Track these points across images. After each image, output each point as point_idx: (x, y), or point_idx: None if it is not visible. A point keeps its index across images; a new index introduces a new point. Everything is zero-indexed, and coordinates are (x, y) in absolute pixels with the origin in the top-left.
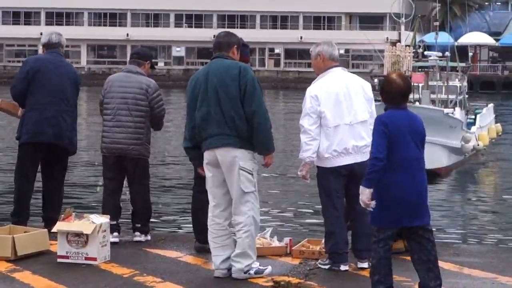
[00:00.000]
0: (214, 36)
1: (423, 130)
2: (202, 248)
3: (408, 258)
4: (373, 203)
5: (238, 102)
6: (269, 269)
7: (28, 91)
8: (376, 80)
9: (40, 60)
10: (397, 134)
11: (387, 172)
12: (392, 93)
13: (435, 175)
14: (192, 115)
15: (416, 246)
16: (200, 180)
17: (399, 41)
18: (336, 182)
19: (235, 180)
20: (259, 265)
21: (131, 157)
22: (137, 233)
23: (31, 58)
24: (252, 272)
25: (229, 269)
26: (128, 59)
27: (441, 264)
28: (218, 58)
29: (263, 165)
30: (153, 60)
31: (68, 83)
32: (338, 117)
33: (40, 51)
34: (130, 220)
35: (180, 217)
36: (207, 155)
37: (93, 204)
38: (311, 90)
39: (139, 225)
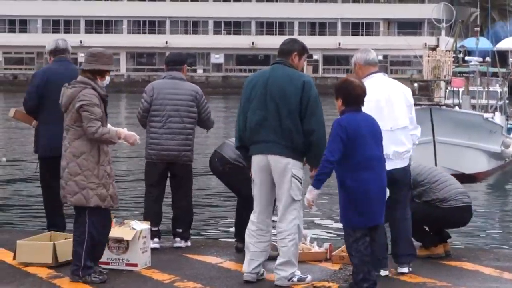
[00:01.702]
0: (252, 43)
1: (380, 130)
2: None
3: (449, 263)
4: (315, 207)
5: (297, 115)
6: (309, 277)
7: (40, 104)
8: (416, 85)
9: (48, 72)
10: (357, 135)
11: (351, 173)
12: (357, 96)
13: (474, 180)
14: (243, 117)
15: (374, 245)
16: None
17: (437, 46)
18: None
19: (286, 187)
20: (300, 273)
21: (181, 163)
22: (178, 239)
23: (40, 71)
24: (295, 279)
25: (257, 273)
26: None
27: (481, 268)
28: (279, 64)
29: (311, 177)
30: (189, 64)
31: None
32: (378, 123)
33: (67, 60)
34: (170, 226)
35: (219, 222)
36: (258, 160)
37: (133, 210)
38: None
39: (180, 231)
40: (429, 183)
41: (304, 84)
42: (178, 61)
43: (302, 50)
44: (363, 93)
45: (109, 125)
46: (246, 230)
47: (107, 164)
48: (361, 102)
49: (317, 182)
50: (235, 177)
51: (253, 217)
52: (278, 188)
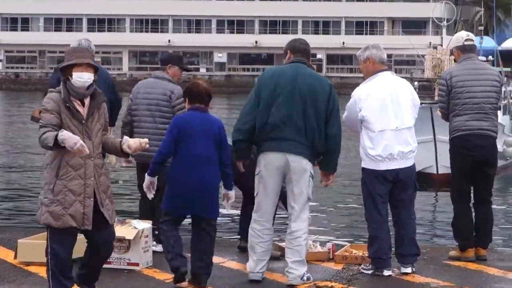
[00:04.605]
0: (255, 42)
1: (217, 131)
2: None
3: (453, 263)
4: (152, 194)
5: (323, 118)
6: (312, 277)
7: None
8: (416, 83)
9: None
10: (187, 133)
11: (176, 166)
12: (196, 95)
13: None
14: (266, 112)
15: (195, 236)
16: None
17: (441, 45)
18: (380, 187)
19: (304, 186)
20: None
21: None
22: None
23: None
24: (305, 278)
25: (263, 273)
26: None
27: (485, 269)
28: (302, 64)
29: (325, 185)
30: (183, 63)
31: (101, 84)
32: (383, 122)
33: None
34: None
35: (223, 222)
36: (275, 158)
37: (134, 210)
38: (355, 92)
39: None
40: (453, 110)
41: (331, 88)
42: (162, 60)
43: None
44: (206, 92)
45: (109, 134)
46: (250, 230)
47: (72, 179)
48: (200, 102)
49: (151, 171)
50: (248, 170)
51: (257, 216)
52: (296, 188)
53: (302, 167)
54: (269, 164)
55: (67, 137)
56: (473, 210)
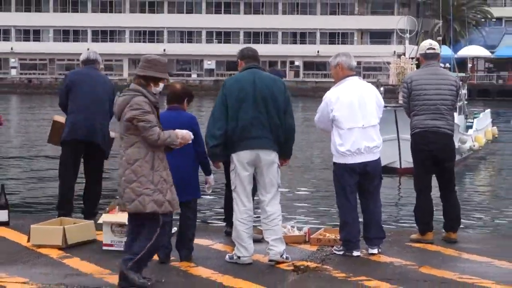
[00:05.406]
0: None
1: (188, 125)
2: None
3: (414, 244)
4: None
5: (282, 113)
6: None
7: (68, 99)
8: (382, 88)
9: (77, 73)
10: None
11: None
12: (171, 96)
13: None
14: (235, 116)
15: (180, 217)
16: None
17: (404, 54)
18: (350, 179)
19: (274, 176)
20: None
21: None
22: None
23: (71, 72)
24: (284, 256)
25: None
26: None
27: (442, 250)
28: (257, 69)
29: (281, 165)
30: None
31: (101, 89)
32: (352, 120)
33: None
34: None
35: (211, 209)
36: (248, 155)
37: None
38: (327, 96)
39: None
40: (413, 110)
41: (285, 85)
42: None
43: None
44: (175, 93)
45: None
46: (236, 221)
47: (162, 170)
48: (173, 101)
49: None
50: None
51: (241, 206)
52: (267, 178)
53: (271, 160)
54: (241, 160)
55: (184, 132)
56: (441, 198)
